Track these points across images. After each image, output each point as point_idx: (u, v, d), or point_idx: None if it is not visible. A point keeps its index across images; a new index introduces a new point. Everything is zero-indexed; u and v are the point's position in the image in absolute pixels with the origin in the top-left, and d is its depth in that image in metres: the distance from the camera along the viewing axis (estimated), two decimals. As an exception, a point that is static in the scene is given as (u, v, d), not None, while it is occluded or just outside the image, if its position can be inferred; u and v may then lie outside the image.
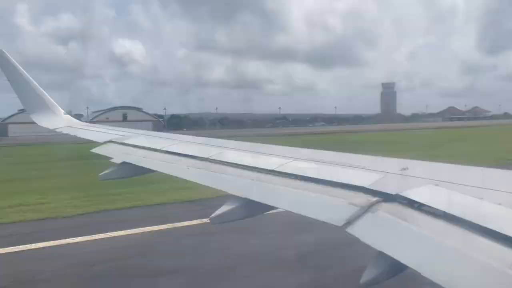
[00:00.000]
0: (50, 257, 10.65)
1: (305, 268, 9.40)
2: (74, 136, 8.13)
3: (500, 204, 2.32)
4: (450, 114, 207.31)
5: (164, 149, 5.54)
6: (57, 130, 8.68)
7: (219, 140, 5.86)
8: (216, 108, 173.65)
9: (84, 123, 9.58)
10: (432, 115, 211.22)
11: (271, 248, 10.54)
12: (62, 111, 9.51)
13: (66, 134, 8.44)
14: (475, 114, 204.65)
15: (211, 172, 4.32)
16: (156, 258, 10.26)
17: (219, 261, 9.92)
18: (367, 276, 2.35)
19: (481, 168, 3.02)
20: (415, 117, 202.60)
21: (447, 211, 2.36)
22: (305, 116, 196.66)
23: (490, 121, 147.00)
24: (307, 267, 9.50)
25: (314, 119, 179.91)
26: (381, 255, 2.31)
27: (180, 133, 8.00)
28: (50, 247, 11.09)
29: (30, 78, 8.93)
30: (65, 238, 11.66)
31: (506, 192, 2.48)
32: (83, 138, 7.81)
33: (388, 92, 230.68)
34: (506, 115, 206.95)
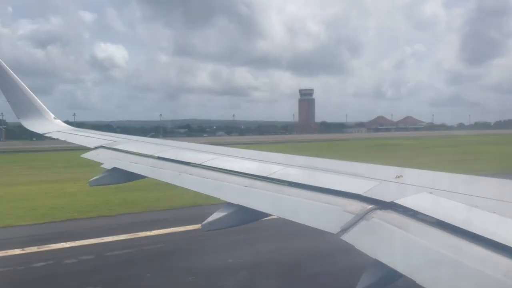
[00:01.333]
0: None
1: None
2: (65, 141, 8.06)
3: (493, 212, 2.33)
4: (378, 124, 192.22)
5: (156, 155, 5.50)
6: (47, 135, 8.58)
7: (211, 146, 5.84)
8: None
9: (74, 128, 9.50)
10: (359, 124, 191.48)
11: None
12: (52, 115, 9.39)
13: (57, 139, 8.36)
14: (406, 124, 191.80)
15: (203, 179, 4.29)
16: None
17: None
18: (362, 284, 2.34)
19: (475, 176, 3.05)
20: (333, 127, 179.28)
21: (441, 218, 2.37)
22: (217, 123, 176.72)
23: (420, 132, 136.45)
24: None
25: (218, 129, 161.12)
26: (376, 263, 2.30)
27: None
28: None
29: (21, 82, 8.82)
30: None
31: (499, 200, 2.50)
32: (73, 143, 7.73)
33: (306, 99, 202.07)
34: (460, 126, 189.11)
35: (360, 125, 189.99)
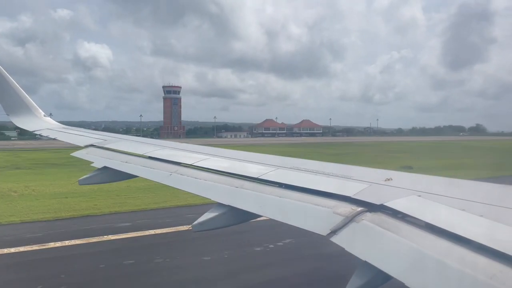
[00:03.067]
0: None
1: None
2: (55, 140, 7.97)
3: (481, 215, 2.36)
4: (263, 128, 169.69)
5: (147, 154, 5.46)
6: (37, 133, 8.47)
7: (202, 147, 5.82)
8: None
9: (64, 126, 9.38)
10: (237, 128, 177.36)
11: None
12: (42, 113, 9.28)
13: (46, 137, 8.26)
14: (301, 128, 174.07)
15: (193, 179, 4.27)
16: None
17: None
18: (351, 286, 2.35)
19: (464, 180, 3.08)
20: (204, 130, 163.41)
21: (429, 221, 2.39)
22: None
23: (301, 138, 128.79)
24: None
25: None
26: (365, 264, 2.31)
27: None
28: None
29: (11, 78, 8.72)
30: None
31: (488, 204, 2.53)
32: (64, 142, 7.64)
33: (170, 97, 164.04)
34: (398, 131, 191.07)
35: (238, 129, 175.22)
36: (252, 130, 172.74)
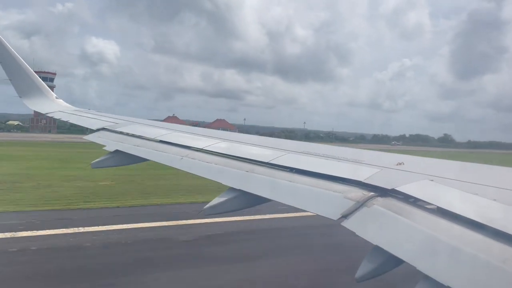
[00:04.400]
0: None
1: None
2: (67, 122, 8.04)
3: (494, 200, 2.34)
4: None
5: (158, 138, 5.50)
6: (49, 115, 8.54)
7: (214, 130, 5.83)
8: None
9: (76, 108, 9.42)
10: None
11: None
12: (54, 95, 9.33)
13: (59, 120, 8.32)
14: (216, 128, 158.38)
15: (204, 163, 4.29)
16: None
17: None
18: (362, 270, 2.36)
19: (476, 164, 3.05)
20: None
21: (441, 206, 2.38)
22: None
23: None
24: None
25: None
26: (376, 249, 2.32)
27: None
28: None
29: (23, 61, 8.75)
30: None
31: (501, 188, 2.50)
32: (76, 124, 7.72)
33: None
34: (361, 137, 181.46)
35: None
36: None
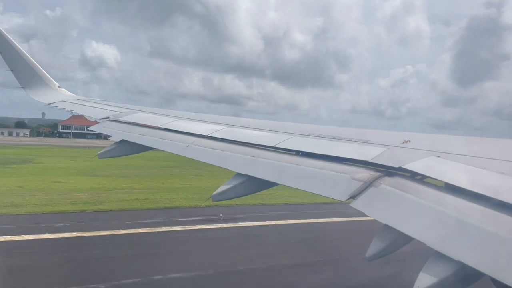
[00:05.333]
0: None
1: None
2: (70, 112, 7.97)
3: (502, 173, 2.33)
4: (73, 127, 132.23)
5: (163, 126, 5.49)
6: (53, 105, 8.44)
7: (219, 116, 5.79)
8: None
9: (80, 97, 9.30)
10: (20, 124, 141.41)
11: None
12: (57, 84, 9.21)
13: (63, 109, 8.22)
14: (71, 127, 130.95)
15: (210, 150, 4.29)
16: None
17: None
18: (372, 249, 2.38)
19: (483, 138, 3.02)
20: None
21: (449, 181, 2.38)
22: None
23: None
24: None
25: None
26: (386, 228, 2.34)
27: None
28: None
29: (23, 50, 8.66)
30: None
31: (509, 161, 2.49)
32: (79, 114, 7.65)
33: None
34: None
35: (20, 125, 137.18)
36: (37, 128, 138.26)
